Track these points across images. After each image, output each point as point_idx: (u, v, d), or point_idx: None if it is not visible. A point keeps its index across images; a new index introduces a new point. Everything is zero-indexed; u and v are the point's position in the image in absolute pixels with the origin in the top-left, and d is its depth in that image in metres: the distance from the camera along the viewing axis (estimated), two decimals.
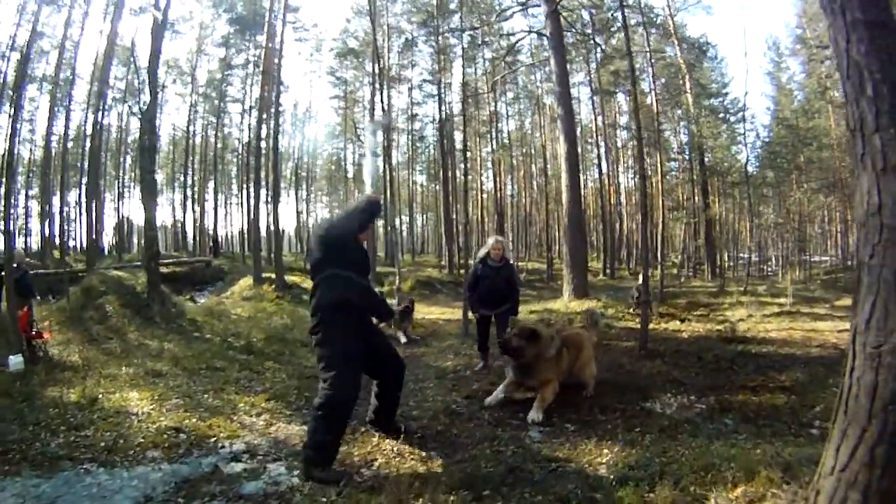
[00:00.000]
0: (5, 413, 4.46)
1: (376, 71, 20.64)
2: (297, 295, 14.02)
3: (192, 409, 4.63)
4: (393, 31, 26.36)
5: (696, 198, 23.07)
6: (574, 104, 30.81)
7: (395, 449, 3.58)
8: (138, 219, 30.99)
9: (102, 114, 19.30)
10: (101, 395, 5.08)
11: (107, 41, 16.98)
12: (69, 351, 8.14)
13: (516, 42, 17.45)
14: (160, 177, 34.91)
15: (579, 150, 33.13)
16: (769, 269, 27.17)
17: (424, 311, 13.80)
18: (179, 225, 33.41)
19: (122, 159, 28.21)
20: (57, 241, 20.66)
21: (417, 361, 6.71)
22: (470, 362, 6.23)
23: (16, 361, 6.17)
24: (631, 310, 10.52)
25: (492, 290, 5.72)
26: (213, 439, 3.81)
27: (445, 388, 5.16)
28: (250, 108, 26.62)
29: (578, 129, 32.01)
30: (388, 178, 32.95)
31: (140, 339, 9.46)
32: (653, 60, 19.23)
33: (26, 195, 24.87)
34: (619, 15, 7.36)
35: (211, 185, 33.21)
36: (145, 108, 11.45)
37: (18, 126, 16.25)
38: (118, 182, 29.00)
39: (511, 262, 6.11)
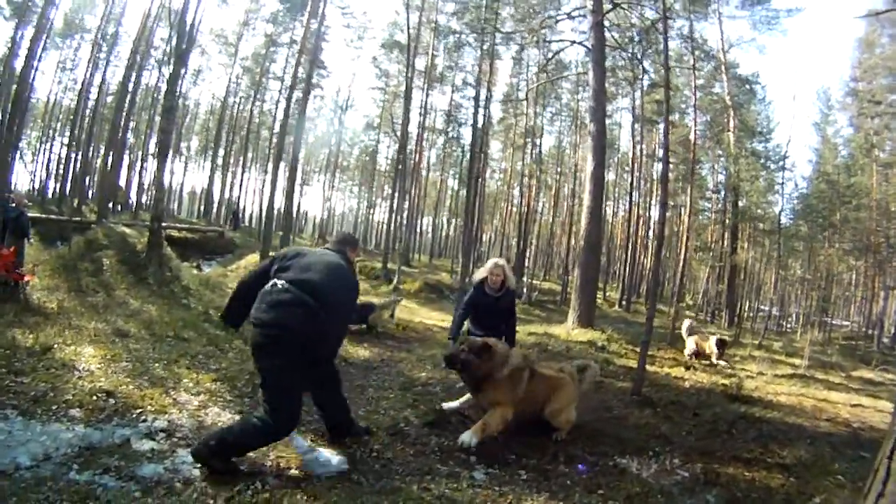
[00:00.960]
0: None
1: (412, 65, 20.32)
2: None
3: (135, 376, 4.47)
4: (443, 29, 26.08)
5: (725, 241, 22.20)
6: (615, 130, 30.31)
7: None
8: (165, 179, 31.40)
9: (139, 72, 19.41)
10: (56, 345, 5.00)
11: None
12: (52, 297, 8.09)
13: (557, 51, 17.01)
14: (194, 143, 35.18)
15: (614, 176, 32.73)
16: (788, 325, 26.06)
17: (424, 316, 13.40)
18: (205, 193, 33.59)
19: (156, 119, 28.32)
20: (73, 189, 20.84)
21: (392, 368, 6.27)
22: (446, 377, 5.73)
23: None
24: (692, 359, 9.40)
25: (490, 320, 5.14)
26: (139, 411, 3.63)
27: (404, 402, 4.69)
28: (290, 87, 26.55)
29: (616, 157, 31.39)
30: (414, 177, 32.88)
31: (125, 297, 9.36)
32: (699, 94, 18.59)
33: (56, 141, 25.19)
34: (662, 36, 6.78)
35: (241, 158, 33.34)
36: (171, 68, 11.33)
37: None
38: (150, 141, 29.12)
39: (513, 289, 5.36)
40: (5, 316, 6.00)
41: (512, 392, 3.82)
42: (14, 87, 16.95)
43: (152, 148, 28.88)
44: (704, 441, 4.47)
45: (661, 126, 24.37)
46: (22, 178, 31.48)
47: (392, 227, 25.08)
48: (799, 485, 3.62)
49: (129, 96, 18.42)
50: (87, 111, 21.44)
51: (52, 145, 24.46)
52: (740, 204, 20.84)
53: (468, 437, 3.51)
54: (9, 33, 18.51)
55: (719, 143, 21.98)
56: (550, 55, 18.09)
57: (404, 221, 26.10)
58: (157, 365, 4.96)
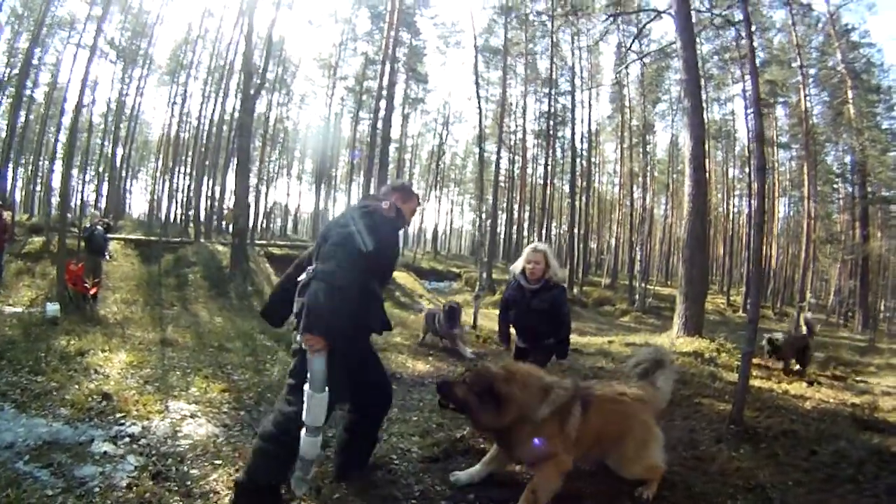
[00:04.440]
0: (5, 349, 4.78)
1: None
2: (394, 296, 13.72)
3: (147, 382, 4.45)
4: (538, 28, 25.29)
5: (856, 231, 19.09)
6: (730, 121, 27.52)
7: None
8: (282, 201, 34.41)
9: (224, 100, 20.77)
10: (90, 351, 5.15)
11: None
12: (124, 309, 8.56)
13: (643, 26, 15.51)
14: (308, 165, 36.83)
15: (737, 172, 29.47)
16: None
17: None
18: (315, 212, 34.92)
19: (266, 147, 29.67)
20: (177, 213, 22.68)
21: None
22: None
23: (52, 309, 6.76)
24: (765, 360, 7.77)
25: (525, 322, 4.02)
26: (122, 414, 3.56)
27: (423, 428, 3.88)
28: (376, 99, 26.86)
29: (737, 148, 28.37)
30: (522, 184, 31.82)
31: (200, 309, 9.65)
32: (812, 71, 16.27)
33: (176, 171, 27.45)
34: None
35: (349, 176, 34.23)
36: (251, 89, 11.80)
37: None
38: (263, 168, 30.67)
39: (557, 284, 4.03)
40: (63, 324, 6.40)
41: (561, 436, 2.63)
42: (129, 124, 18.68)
43: (271, 172, 30.67)
44: (818, 496, 3.08)
45: (780, 110, 21.80)
46: (142, 206, 35.22)
47: (482, 235, 24.62)
48: None
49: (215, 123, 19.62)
50: (192, 140, 23.30)
51: (171, 175, 26.56)
52: (868, 185, 17.91)
53: None
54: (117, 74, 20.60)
55: (840, 117, 18.96)
56: (637, 31, 16.76)
57: (488, 229, 25.51)
58: (177, 372, 4.88)
